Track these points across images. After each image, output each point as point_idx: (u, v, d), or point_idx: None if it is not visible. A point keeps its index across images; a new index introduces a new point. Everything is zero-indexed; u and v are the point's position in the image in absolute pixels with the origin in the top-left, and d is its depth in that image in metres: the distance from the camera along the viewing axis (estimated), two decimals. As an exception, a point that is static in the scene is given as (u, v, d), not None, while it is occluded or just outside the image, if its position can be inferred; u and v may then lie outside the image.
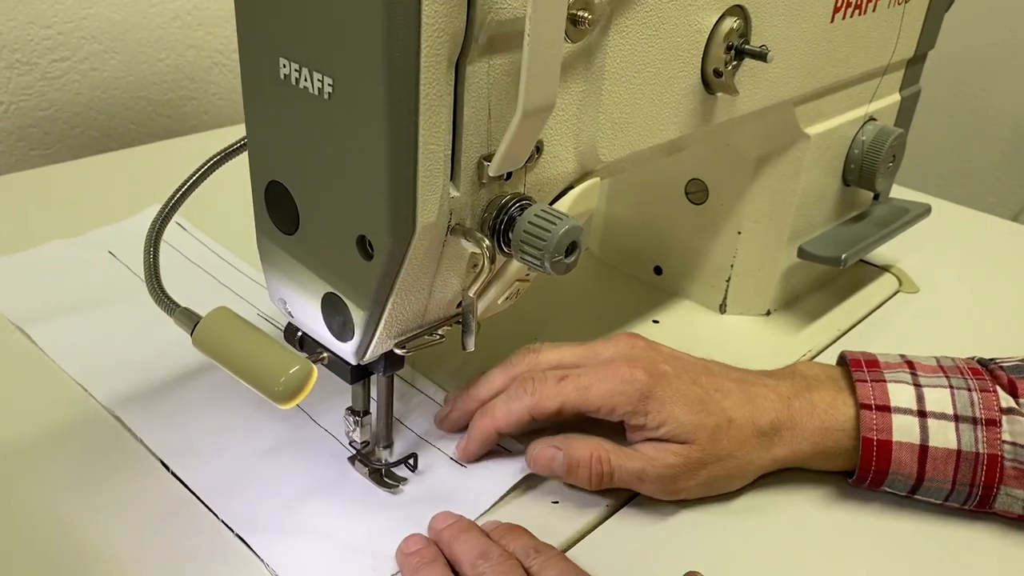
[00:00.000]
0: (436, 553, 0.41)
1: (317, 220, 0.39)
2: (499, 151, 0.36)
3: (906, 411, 0.45)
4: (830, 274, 0.68)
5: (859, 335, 0.63)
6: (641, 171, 0.63)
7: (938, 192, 0.80)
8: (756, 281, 0.62)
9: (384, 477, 0.47)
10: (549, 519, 0.45)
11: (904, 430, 0.44)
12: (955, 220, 0.82)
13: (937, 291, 0.69)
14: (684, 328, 0.62)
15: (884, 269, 0.71)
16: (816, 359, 0.60)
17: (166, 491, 0.45)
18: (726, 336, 0.62)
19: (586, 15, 0.36)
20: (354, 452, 0.47)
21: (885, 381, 0.46)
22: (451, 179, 0.37)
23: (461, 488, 0.46)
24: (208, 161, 0.42)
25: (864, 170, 0.62)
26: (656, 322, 0.63)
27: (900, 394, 0.45)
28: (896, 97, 0.65)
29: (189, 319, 0.40)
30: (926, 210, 0.67)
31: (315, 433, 0.50)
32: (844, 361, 0.49)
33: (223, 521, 0.43)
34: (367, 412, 0.47)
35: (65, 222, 0.72)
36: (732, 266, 0.62)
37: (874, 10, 0.57)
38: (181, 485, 0.45)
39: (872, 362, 0.48)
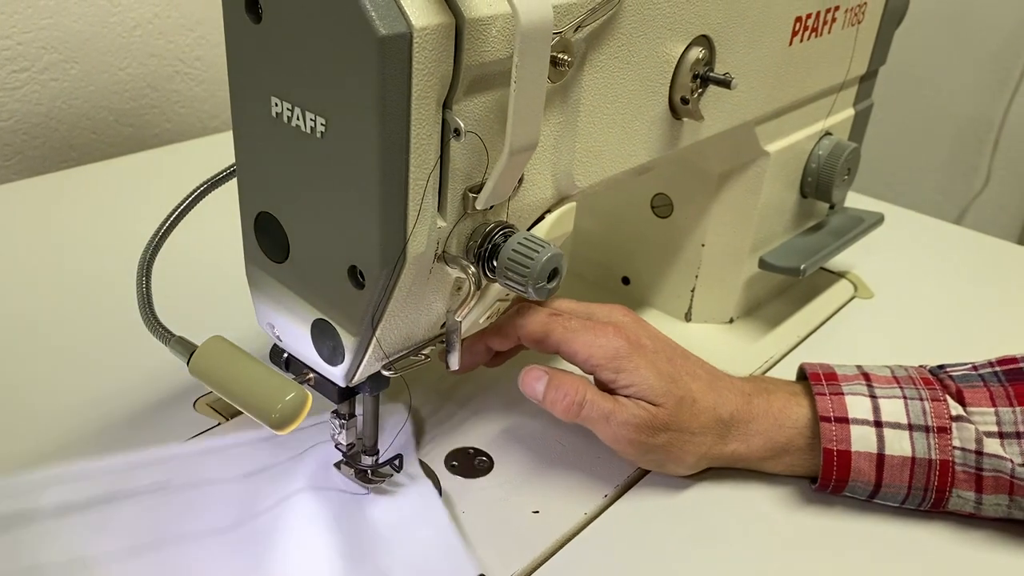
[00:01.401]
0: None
1: (307, 250, 0.40)
2: (487, 187, 0.38)
3: (863, 422, 0.47)
4: (788, 282, 0.71)
5: (818, 341, 0.66)
6: (604, 187, 0.65)
7: (886, 191, 0.84)
8: (719, 291, 0.65)
9: (371, 475, 0.48)
10: (529, 528, 0.47)
11: (862, 440, 0.47)
12: (906, 226, 0.86)
13: (890, 296, 0.72)
14: (652, 337, 0.65)
15: (840, 275, 0.74)
16: (777, 364, 0.63)
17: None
18: (692, 343, 0.63)
19: (565, 57, 0.38)
20: (339, 459, 0.49)
21: (843, 394, 0.48)
22: (438, 211, 0.39)
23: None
24: (196, 189, 0.43)
25: (821, 183, 0.65)
26: (625, 332, 0.65)
27: (857, 406, 0.48)
28: (850, 112, 0.68)
29: (185, 348, 0.41)
30: (879, 219, 0.70)
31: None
32: (804, 374, 0.52)
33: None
34: (352, 415, 0.48)
35: (34, 240, 0.72)
36: (697, 277, 0.65)
37: (829, 32, 0.60)
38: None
39: (830, 375, 0.50)
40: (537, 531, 0.47)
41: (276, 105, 0.37)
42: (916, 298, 0.73)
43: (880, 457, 0.47)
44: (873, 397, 0.48)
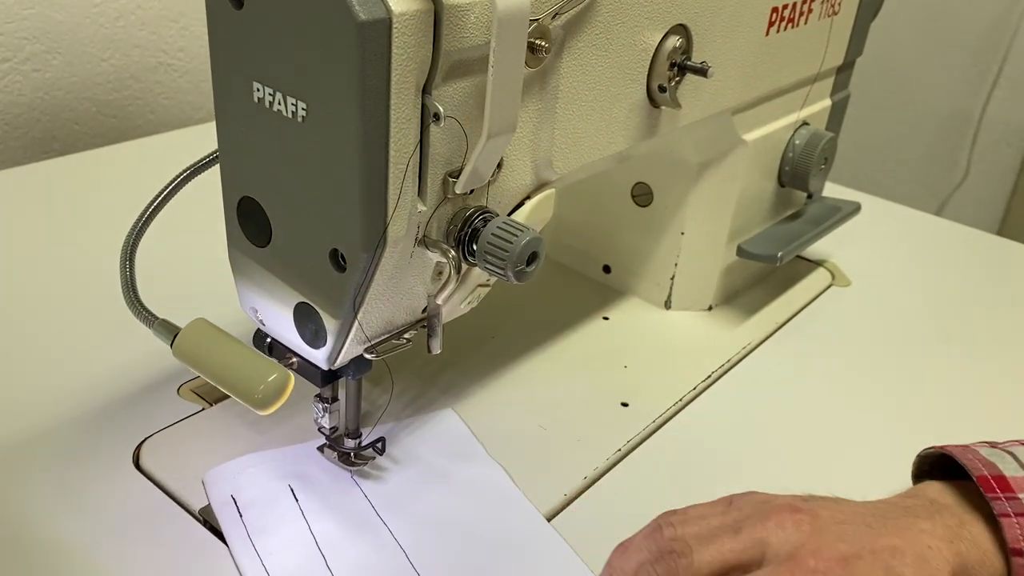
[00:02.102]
0: None
1: (289, 234, 0.41)
2: (465, 171, 0.38)
3: None
4: (767, 270, 0.72)
5: (795, 328, 0.67)
6: (587, 175, 0.66)
7: (868, 184, 0.85)
8: (699, 279, 0.66)
9: (353, 458, 0.49)
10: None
11: None
12: (884, 216, 0.87)
13: (868, 284, 0.74)
14: (632, 324, 0.66)
15: (818, 264, 0.75)
16: (755, 351, 0.64)
17: (140, 491, 0.46)
18: (672, 331, 0.65)
19: (543, 43, 0.39)
20: (322, 443, 0.50)
21: None
22: (419, 195, 0.39)
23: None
24: (180, 175, 0.43)
25: (798, 172, 0.66)
26: (606, 319, 0.66)
27: None
28: (827, 102, 0.69)
29: (168, 331, 0.42)
30: (856, 208, 0.71)
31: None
32: (952, 455, 0.44)
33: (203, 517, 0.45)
34: (335, 399, 0.49)
35: (18, 229, 0.72)
36: (676, 264, 0.65)
37: (806, 23, 0.61)
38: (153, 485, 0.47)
39: (1000, 478, 0.41)
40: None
41: (258, 90, 0.38)
42: (893, 287, 0.74)
43: None
44: None
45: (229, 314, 0.57)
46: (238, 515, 0.45)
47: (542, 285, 0.69)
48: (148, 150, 0.94)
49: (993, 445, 0.43)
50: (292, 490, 0.47)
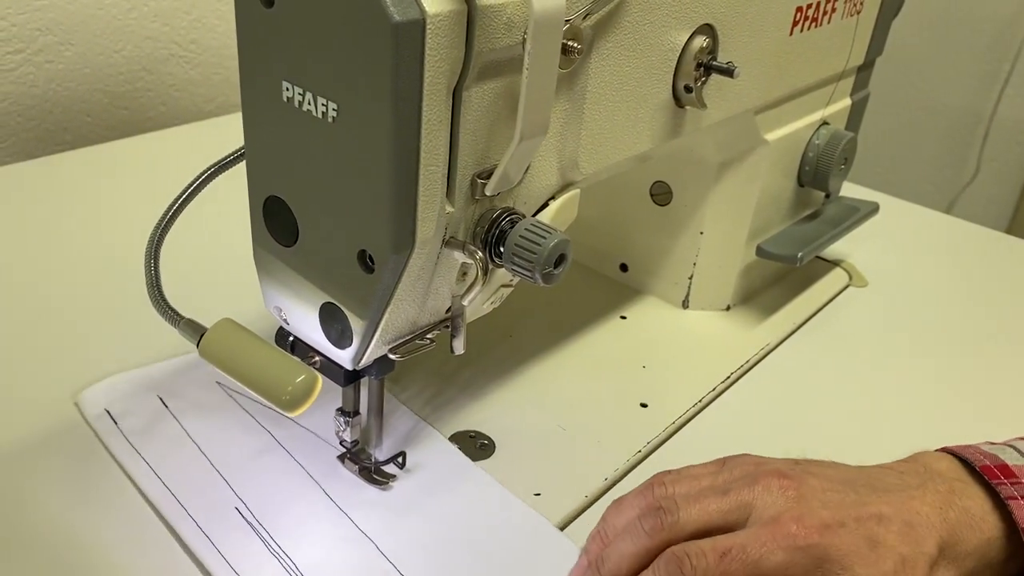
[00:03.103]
0: None
1: (317, 234, 0.40)
2: (496, 173, 0.38)
3: None
4: (784, 270, 0.72)
5: (814, 328, 0.67)
6: (605, 175, 0.66)
7: (877, 181, 0.84)
8: (717, 278, 0.66)
9: (374, 474, 0.49)
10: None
11: None
12: (899, 215, 0.87)
13: (885, 285, 0.73)
14: (650, 323, 0.65)
15: (835, 264, 0.75)
16: (774, 351, 0.64)
17: (151, 496, 0.46)
18: (690, 331, 0.65)
19: (575, 44, 0.38)
20: (344, 451, 0.49)
21: None
22: (447, 196, 0.39)
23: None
24: (204, 172, 0.43)
25: (818, 172, 0.65)
26: (624, 318, 0.66)
27: None
28: (847, 101, 0.69)
29: (194, 330, 0.41)
30: (875, 208, 0.71)
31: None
32: (956, 455, 0.45)
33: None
34: (357, 412, 0.48)
35: (28, 223, 0.72)
36: (695, 264, 0.65)
37: (829, 22, 0.60)
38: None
39: (1004, 468, 0.43)
40: (539, 513, 0.48)
41: (287, 90, 0.37)
42: (910, 287, 0.74)
43: None
44: None
45: (247, 311, 0.57)
46: (115, 425, 0.50)
47: (558, 284, 0.69)
48: (164, 144, 0.94)
49: (992, 444, 0.44)
50: (161, 399, 0.52)
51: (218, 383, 0.54)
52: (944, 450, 0.45)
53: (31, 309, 0.62)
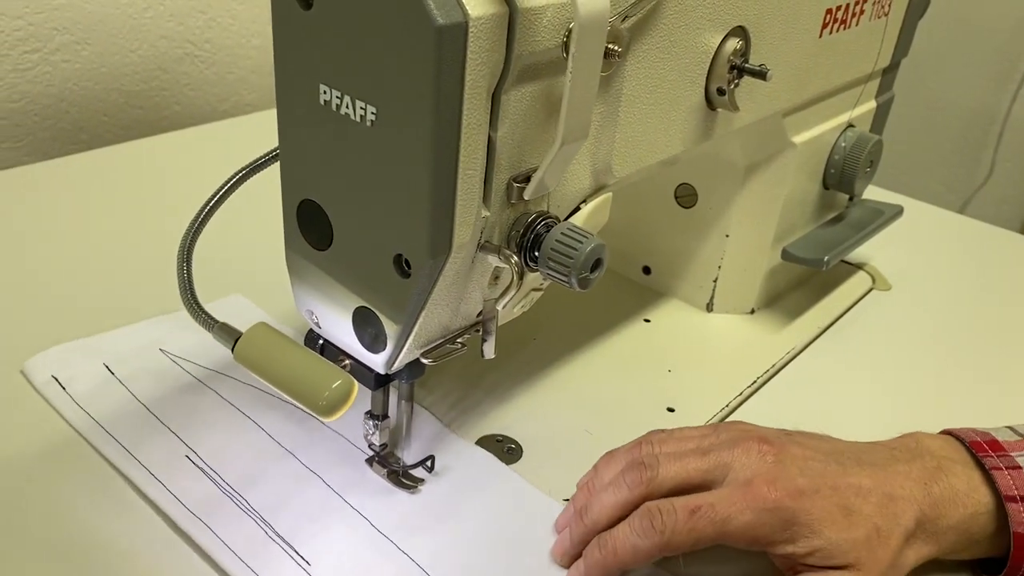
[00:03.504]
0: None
1: (352, 238, 0.40)
2: (536, 177, 0.38)
3: None
4: (808, 273, 0.71)
5: (839, 332, 0.66)
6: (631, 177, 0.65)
7: (890, 182, 0.84)
8: (742, 281, 0.65)
9: (402, 478, 0.48)
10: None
11: None
12: (921, 218, 0.86)
13: (908, 288, 0.73)
14: (674, 327, 0.65)
15: (858, 267, 0.74)
16: (800, 355, 0.63)
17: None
18: (715, 334, 0.65)
19: (616, 47, 0.38)
20: (372, 454, 0.49)
21: (1020, 467, 0.42)
22: (483, 200, 0.39)
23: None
24: (237, 174, 0.43)
25: (844, 175, 0.65)
26: (647, 321, 0.66)
27: None
28: (872, 104, 0.69)
29: (229, 334, 0.41)
30: (899, 211, 0.71)
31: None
32: (955, 436, 0.46)
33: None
34: (386, 416, 0.48)
35: (43, 223, 0.72)
36: (720, 267, 0.65)
37: (857, 24, 0.60)
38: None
39: (993, 443, 0.44)
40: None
41: (324, 93, 0.37)
42: (934, 291, 0.73)
43: None
44: None
45: (275, 314, 0.57)
46: (63, 391, 0.52)
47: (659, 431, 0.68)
48: (183, 144, 0.93)
49: (995, 428, 0.46)
50: (107, 366, 0.54)
51: (161, 350, 0.57)
52: (944, 432, 0.46)
53: (44, 311, 0.62)
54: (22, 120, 0.95)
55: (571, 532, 0.44)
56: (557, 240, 0.40)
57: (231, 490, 0.46)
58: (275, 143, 0.42)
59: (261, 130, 0.94)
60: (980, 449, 0.44)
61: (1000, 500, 0.42)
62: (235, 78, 1.14)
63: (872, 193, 0.86)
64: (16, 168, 0.86)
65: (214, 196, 0.43)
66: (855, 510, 0.41)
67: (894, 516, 0.41)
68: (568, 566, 0.44)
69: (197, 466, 0.47)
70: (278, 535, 0.44)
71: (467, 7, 0.33)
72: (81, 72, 0.98)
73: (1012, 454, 0.43)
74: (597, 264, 0.40)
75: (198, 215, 0.43)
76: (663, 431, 0.47)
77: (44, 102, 0.96)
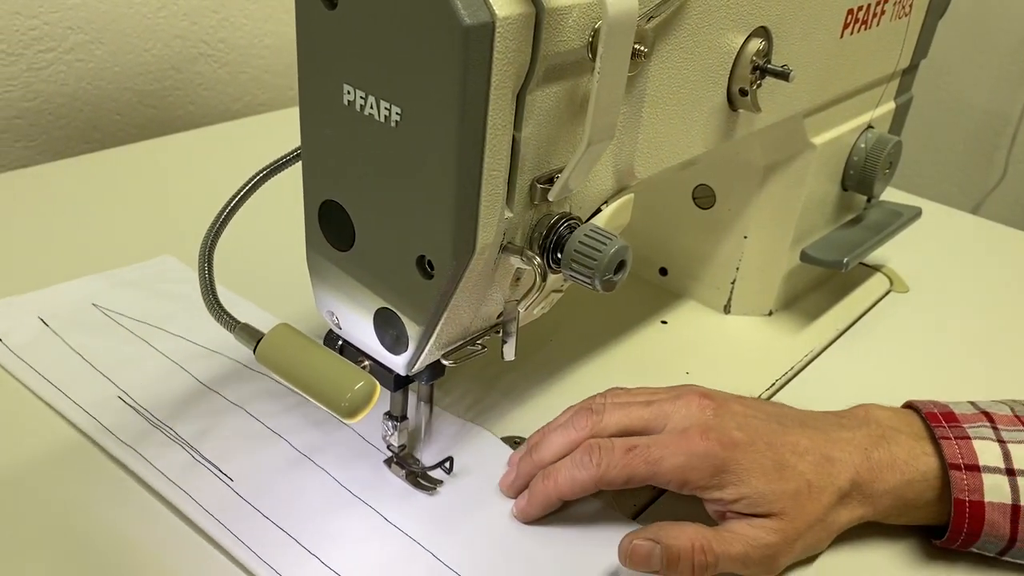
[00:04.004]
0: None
1: (374, 239, 0.40)
2: (562, 178, 0.38)
3: (995, 470, 0.43)
4: (826, 275, 0.71)
5: (857, 334, 0.66)
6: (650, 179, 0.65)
7: (901, 183, 0.83)
8: (760, 283, 0.65)
9: (420, 479, 0.48)
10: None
11: (995, 490, 0.43)
12: (938, 220, 0.85)
13: (926, 290, 0.72)
14: (691, 329, 0.65)
15: (875, 269, 0.74)
16: (818, 357, 0.63)
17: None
18: (732, 336, 0.64)
19: (642, 48, 0.38)
20: (390, 455, 0.49)
21: (970, 438, 0.44)
22: (506, 202, 0.39)
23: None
24: (257, 174, 0.43)
25: (864, 176, 0.64)
26: (664, 323, 0.65)
27: (986, 451, 0.44)
28: (892, 105, 0.68)
29: (250, 336, 0.41)
30: (917, 213, 0.70)
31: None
32: (914, 408, 0.48)
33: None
34: (405, 417, 0.48)
35: (55, 224, 0.72)
36: (738, 269, 0.64)
37: (878, 24, 0.59)
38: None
39: (949, 415, 0.46)
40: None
41: (348, 93, 0.37)
42: (951, 293, 0.73)
43: (1015, 509, 0.43)
44: (1001, 442, 0.44)
45: (292, 315, 0.57)
46: (8, 350, 0.55)
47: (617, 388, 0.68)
48: (196, 143, 0.93)
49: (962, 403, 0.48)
50: (42, 320, 0.58)
51: (94, 304, 0.61)
52: (906, 403, 0.49)
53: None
54: (36, 119, 0.95)
55: (519, 466, 0.48)
56: (580, 242, 0.40)
57: (158, 421, 0.50)
58: (289, 143, 0.42)
59: (274, 130, 0.94)
60: (934, 420, 0.46)
61: (946, 469, 0.44)
62: (248, 77, 1.14)
63: (884, 194, 0.86)
64: (31, 167, 0.86)
65: (235, 196, 0.43)
66: (789, 466, 0.43)
67: (829, 475, 0.43)
68: (513, 496, 0.47)
69: (130, 406, 0.51)
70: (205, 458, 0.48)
71: (494, 7, 0.33)
72: (95, 71, 0.98)
73: (964, 425, 0.45)
74: (621, 266, 0.40)
75: (219, 215, 0.43)
76: (625, 388, 0.50)
77: (58, 101, 0.96)
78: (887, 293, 0.72)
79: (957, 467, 0.44)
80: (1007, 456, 0.44)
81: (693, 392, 0.46)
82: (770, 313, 0.66)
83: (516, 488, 0.47)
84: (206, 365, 0.55)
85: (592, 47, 0.36)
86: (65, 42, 0.95)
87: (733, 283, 0.65)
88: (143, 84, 1.04)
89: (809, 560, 0.45)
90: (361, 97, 0.36)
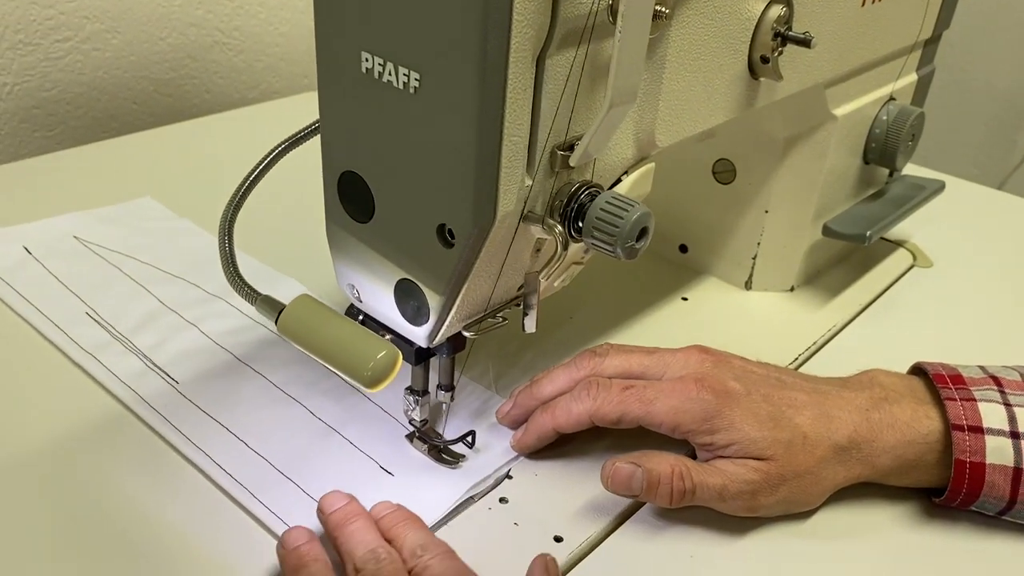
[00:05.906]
0: (318, 552, 0.39)
1: (394, 209, 0.40)
2: (583, 142, 0.37)
3: (999, 432, 0.43)
4: (848, 250, 0.70)
5: (880, 310, 0.65)
6: (670, 151, 0.64)
7: (921, 162, 0.82)
8: (781, 258, 0.64)
9: (442, 453, 0.48)
10: (603, 496, 0.47)
11: (998, 452, 0.43)
12: (960, 195, 0.84)
13: (950, 266, 0.71)
14: (713, 305, 0.64)
15: (898, 244, 0.73)
16: (841, 332, 0.62)
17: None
18: (754, 312, 0.64)
19: (663, 9, 0.37)
20: (412, 430, 0.49)
21: (975, 400, 0.44)
22: (527, 169, 0.38)
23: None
24: (277, 147, 0.43)
25: (886, 148, 0.64)
26: (685, 299, 0.65)
27: (991, 414, 0.44)
28: (913, 77, 0.67)
29: (272, 307, 0.41)
30: (940, 187, 0.69)
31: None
32: (921, 371, 0.48)
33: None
34: (426, 392, 0.48)
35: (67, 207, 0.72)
36: (759, 244, 0.64)
37: (899, -7, 0.59)
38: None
39: (956, 377, 0.46)
40: (611, 499, 0.47)
41: (367, 60, 0.37)
42: (977, 268, 0.72)
43: (1017, 471, 0.43)
44: (1008, 405, 0.44)
45: (313, 288, 0.57)
46: (4, 283, 0.60)
47: (617, 264, 0.68)
48: (217, 128, 0.93)
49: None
50: (26, 249, 0.64)
51: (75, 237, 0.67)
52: (916, 364, 0.49)
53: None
54: (55, 109, 0.96)
55: (518, 398, 0.49)
56: (602, 208, 0.39)
57: (122, 335, 0.56)
58: (301, 126, 0.41)
59: (290, 113, 0.94)
60: (941, 381, 0.46)
61: (948, 432, 0.44)
62: (263, 66, 1.14)
63: (905, 170, 0.85)
64: (48, 154, 0.86)
65: (255, 169, 0.42)
66: (784, 418, 0.44)
67: (827, 431, 0.44)
68: (508, 425, 0.49)
69: (96, 321, 0.57)
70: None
71: (513, -32, 0.32)
72: (111, 60, 0.99)
73: (971, 388, 0.45)
74: (643, 233, 0.40)
75: (239, 188, 0.42)
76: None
77: (76, 91, 0.97)
78: (910, 268, 0.71)
79: (960, 428, 0.44)
80: (1012, 419, 0.44)
81: (695, 347, 0.48)
82: (792, 289, 0.66)
83: (512, 418, 0.49)
84: (168, 289, 0.61)
85: (612, 9, 0.36)
86: (81, 31, 0.95)
87: (754, 259, 0.65)
88: (159, 73, 1.04)
89: (806, 515, 0.46)
90: (379, 64, 0.36)
